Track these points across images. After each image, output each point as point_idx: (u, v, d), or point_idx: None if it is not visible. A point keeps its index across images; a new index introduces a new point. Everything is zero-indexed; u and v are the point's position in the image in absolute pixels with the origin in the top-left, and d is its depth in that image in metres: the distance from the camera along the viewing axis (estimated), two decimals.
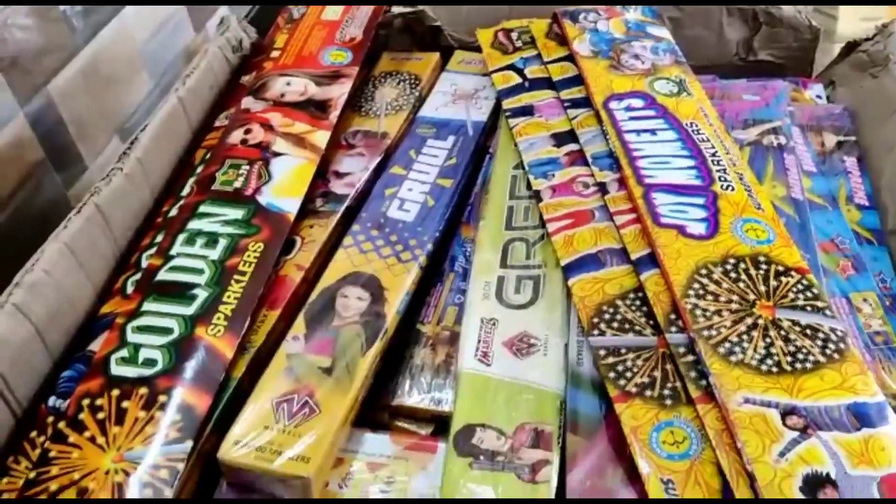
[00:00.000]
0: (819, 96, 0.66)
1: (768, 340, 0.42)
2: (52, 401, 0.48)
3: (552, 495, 0.40)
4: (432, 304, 0.54)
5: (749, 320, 0.43)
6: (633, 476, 0.40)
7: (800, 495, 0.36)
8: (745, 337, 0.42)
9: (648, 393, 0.42)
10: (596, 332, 0.46)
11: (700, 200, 0.50)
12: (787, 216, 0.51)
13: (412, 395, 0.49)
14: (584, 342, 0.47)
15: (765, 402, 0.39)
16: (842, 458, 0.37)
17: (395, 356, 0.51)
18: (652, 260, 0.47)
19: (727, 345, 0.42)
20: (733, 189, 0.50)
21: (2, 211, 0.60)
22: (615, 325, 0.46)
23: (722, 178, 0.51)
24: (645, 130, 0.55)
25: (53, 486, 0.42)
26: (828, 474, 0.37)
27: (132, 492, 0.41)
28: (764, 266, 0.46)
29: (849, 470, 0.37)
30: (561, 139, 0.58)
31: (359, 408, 0.47)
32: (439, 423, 0.47)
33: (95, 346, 0.49)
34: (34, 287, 0.47)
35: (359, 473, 0.45)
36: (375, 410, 0.49)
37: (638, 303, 0.47)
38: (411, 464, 0.45)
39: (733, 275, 0.45)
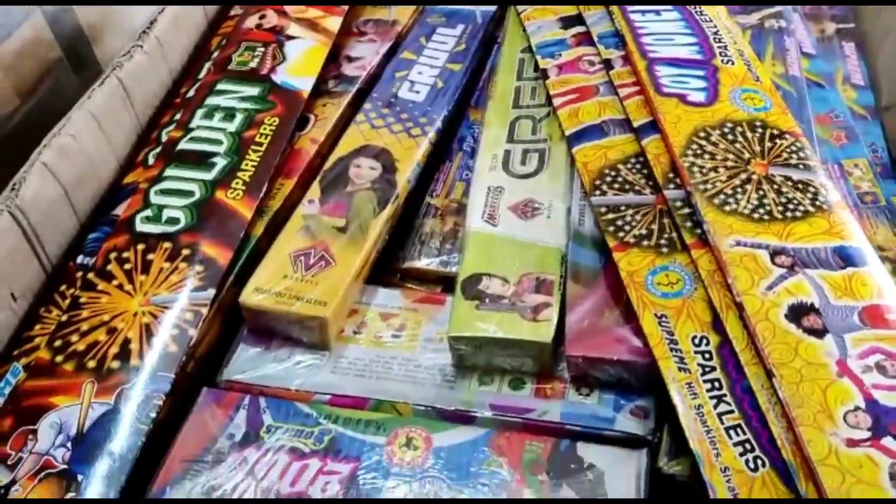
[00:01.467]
0: None
1: (761, 193, 0.44)
2: (80, 258, 0.50)
3: (552, 332, 0.43)
4: (441, 179, 0.56)
5: (743, 175, 0.45)
6: (629, 316, 0.43)
7: (786, 323, 0.38)
8: (738, 190, 0.44)
9: (645, 243, 0.45)
10: (597, 192, 0.48)
11: (701, 72, 0.51)
12: (784, 91, 0.53)
13: (422, 259, 0.51)
14: (586, 206, 0.49)
15: (755, 244, 0.42)
16: (826, 291, 0.40)
17: (405, 228, 0.53)
18: (653, 127, 0.49)
19: (722, 196, 0.44)
20: (733, 63, 0.52)
21: (23, 104, 0.61)
22: (616, 186, 0.48)
23: (722, 54, 0.52)
24: (650, 10, 0.56)
25: (84, 327, 0.45)
26: (812, 304, 0.39)
27: (160, 330, 0.44)
28: (760, 130, 0.47)
29: (832, 300, 0.39)
30: (568, 22, 0.59)
31: (371, 268, 0.50)
32: (447, 284, 0.50)
33: (120, 210, 0.52)
34: (62, 149, 0.50)
35: (372, 322, 0.47)
36: (388, 274, 0.52)
37: (638, 166, 0.49)
38: (421, 314, 0.48)
39: (730, 137, 0.47)
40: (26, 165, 0.48)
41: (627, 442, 0.40)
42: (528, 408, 0.42)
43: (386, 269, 0.52)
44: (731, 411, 0.37)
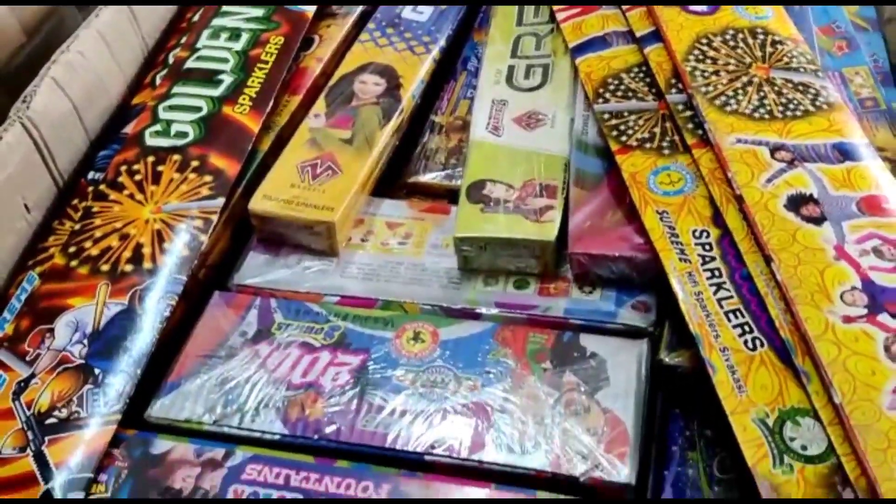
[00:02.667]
0: None
1: (762, 94, 0.45)
2: (91, 175, 0.51)
3: (556, 231, 0.44)
4: (446, 97, 0.57)
5: (745, 78, 0.45)
6: (631, 217, 0.43)
7: (784, 212, 0.39)
8: (740, 91, 0.45)
9: (648, 145, 0.45)
10: (601, 100, 0.48)
11: None
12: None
13: (426, 173, 0.52)
14: (590, 116, 0.49)
15: (756, 141, 0.42)
16: (825, 183, 0.40)
17: (411, 146, 0.54)
18: (656, 36, 0.50)
19: (723, 98, 0.45)
20: None
21: (28, 42, 0.62)
22: (619, 93, 0.48)
23: None
24: None
25: (97, 234, 0.46)
26: (811, 194, 0.40)
27: (171, 236, 0.45)
28: (761, 36, 0.48)
29: (830, 191, 0.40)
30: None
31: (377, 182, 0.51)
32: (452, 197, 0.51)
33: (129, 129, 0.52)
34: (70, 65, 0.50)
35: (378, 230, 0.48)
36: (393, 190, 0.52)
37: (641, 75, 0.49)
38: (427, 222, 0.48)
39: (732, 43, 0.47)
40: (36, 80, 0.49)
41: (629, 333, 0.41)
42: (533, 304, 0.43)
43: (392, 185, 0.53)
44: (731, 297, 0.38)
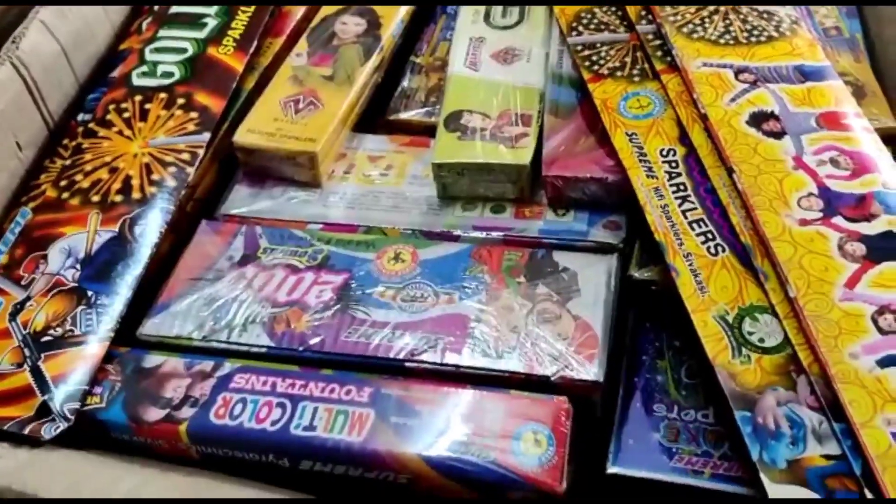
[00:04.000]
0: None
1: (727, 22, 0.46)
2: (80, 116, 0.53)
3: (531, 156, 0.45)
4: (426, 39, 0.58)
5: (711, 7, 0.47)
6: (603, 141, 0.45)
7: (746, 128, 0.41)
8: (706, 20, 0.46)
9: (619, 73, 0.47)
10: (574, 33, 0.50)
11: None
12: None
13: (407, 111, 0.53)
14: (565, 51, 0.51)
15: (721, 64, 0.44)
16: (786, 101, 0.42)
17: (392, 88, 0.55)
18: None
19: (690, 26, 0.46)
20: None
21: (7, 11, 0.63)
22: (592, 27, 0.50)
23: None
24: None
25: (88, 168, 0.47)
26: (772, 112, 0.41)
27: (159, 168, 0.47)
28: None
29: (791, 108, 0.42)
30: None
31: (358, 118, 0.52)
32: (432, 133, 0.52)
33: (117, 73, 0.54)
34: (58, 10, 0.52)
35: (360, 163, 0.50)
36: (375, 128, 0.54)
37: (613, 8, 0.51)
38: (407, 155, 0.50)
39: None
40: (25, 22, 0.50)
41: (600, 250, 0.43)
42: (509, 227, 0.45)
43: (374, 124, 0.54)
44: (695, 208, 0.40)
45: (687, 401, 0.39)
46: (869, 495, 0.30)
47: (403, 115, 0.53)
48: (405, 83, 0.55)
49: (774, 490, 0.31)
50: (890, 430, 0.31)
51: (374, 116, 0.54)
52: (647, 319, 0.43)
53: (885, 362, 0.32)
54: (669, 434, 0.38)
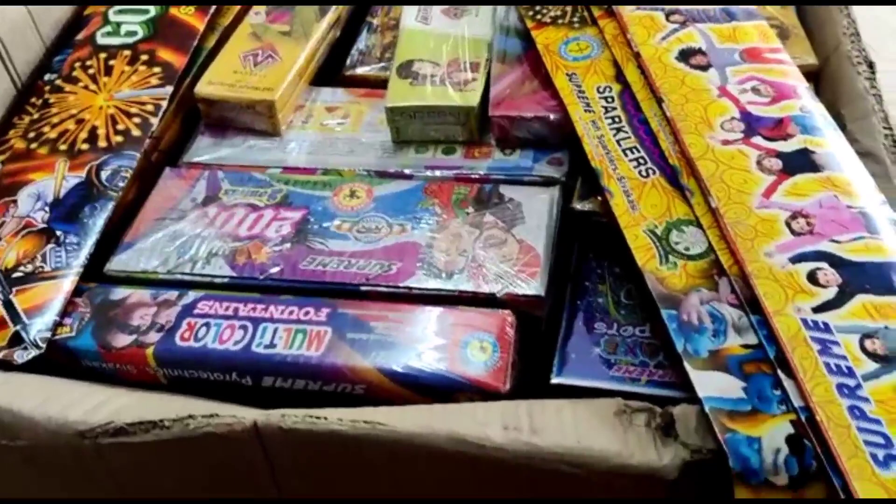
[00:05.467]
0: None
1: None
2: (47, 76, 0.54)
3: (478, 98, 0.48)
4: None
5: None
6: (546, 85, 0.48)
7: (675, 63, 0.44)
8: None
9: (560, 21, 0.50)
10: None
11: None
12: None
13: (363, 66, 0.56)
14: (513, 8, 0.53)
15: (653, 7, 0.47)
16: (712, 38, 0.45)
17: (350, 45, 0.58)
18: None
19: None
20: None
21: None
22: None
23: None
24: None
25: (55, 120, 0.49)
26: (699, 48, 0.44)
27: (124, 119, 0.49)
28: None
29: (717, 45, 0.45)
30: None
31: (316, 71, 0.54)
32: (386, 87, 0.54)
33: (82, 34, 0.56)
34: None
35: (318, 113, 0.52)
36: (333, 84, 0.56)
37: None
38: (363, 105, 0.52)
39: None
40: None
41: (544, 183, 0.46)
42: (459, 166, 0.47)
43: (331, 80, 0.56)
44: (628, 137, 0.43)
45: (626, 319, 0.41)
46: (781, 375, 0.33)
47: (360, 71, 0.55)
48: (361, 41, 0.57)
49: (697, 377, 0.34)
50: (800, 317, 0.33)
51: (333, 74, 0.56)
52: (591, 250, 0.45)
53: (797, 259, 0.35)
54: (609, 347, 0.40)
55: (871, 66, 0.45)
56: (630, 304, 0.42)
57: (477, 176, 0.47)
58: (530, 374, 0.41)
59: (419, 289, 0.41)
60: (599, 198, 0.43)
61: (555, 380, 0.40)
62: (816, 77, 0.48)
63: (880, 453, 0.30)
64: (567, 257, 0.45)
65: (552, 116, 0.46)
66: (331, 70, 0.56)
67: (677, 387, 0.37)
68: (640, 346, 0.40)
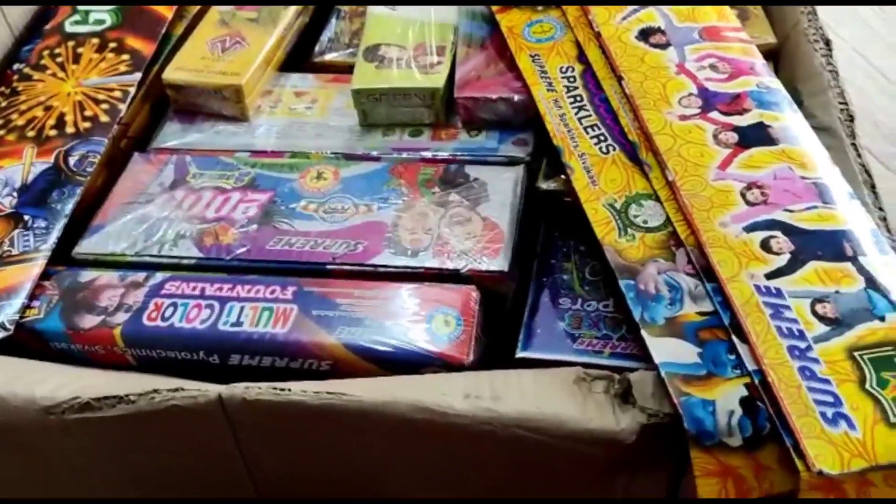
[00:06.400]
0: None
1: None
2: (16, 66, 0.54)
3: (444, 80, 0.48)
4: None
5: None
6: (511, 68, 0.48)
7: (635, 42, 0.44)
8: None
9: (524, 4, 0.50)
10: None
11: None
12: None
13: (331, 53, 0.56)
14: None
15: None
16: (672, 18, 0.46)
17: (319, 33, 0.58)
18: None
19: None
20: None
21: None
22: None
23: None
24: None
25: (23, 107, 0.49)
26: (659, 27, 0.45)
27: (92, 106, 0.49)
28: None
29: (676, 24, 0.45)
30: None
31: (285, 57, 0.55)
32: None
33: (50, 24, 0.56)
34: None
35: (287, 98, 0.52)
36: (303, 70, 0.56)
37: None
38: (331, 90, 0.53)
39: None
40: None
41: (509, 163, 0.46)
42: (426, 147, 0.48)
43: (300, 67, 0.57)
44: (589, 115, 0.43)
45: (590, 294, 0.42)
46: (735, 340, 0.33)
47: (328, 57, 0.56)
48: (331, 28, 0.58)
49: (653, 343, 0.35)
50: (753, 283, 0.34)
51: (303, 60, 0.57)
52: (557, 230, 0.46)
53: (750, 228, 0.36)
54: (573, 322, 0.41)
55: (827, 43, 0.46)
56: (595, 280, 0.43)
57: (443, 158, 0.47)
58: (497, 350, 0.42)
59: (385, 266, 0.41)
60: (564, 177, 0.44)
61: (520, 354, 0.40)
62: (776, 55, 0.49)
63: (829, 412, 0.30)
64: (534, 236, 0.45)
65: (516, 97, 0.47)
66: (301, 56, 0.57)
67: (639, 358, 0.38)
68: (603, 320, 0.41)
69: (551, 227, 0.46)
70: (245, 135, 0.50)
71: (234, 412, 0.35)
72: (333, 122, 0.50)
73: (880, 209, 0.39)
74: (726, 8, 0.47)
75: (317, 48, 0.56)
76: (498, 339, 0.42)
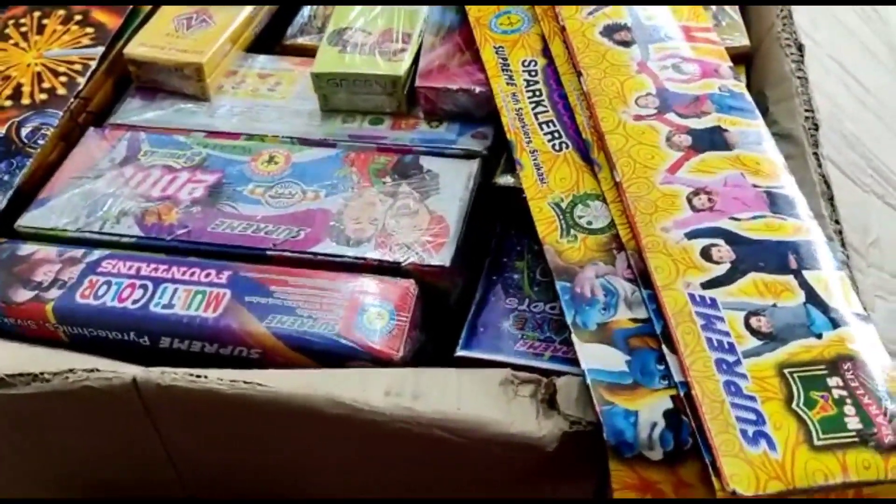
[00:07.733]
0: None
1: None
2: None
3: (405, 68, 0.47)
4: None
5: None
6: (476, 59, 0.47)
7: (599, 38, 0.43)
8: None
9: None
10: None
11: None
12: None
13: (302, 36, 0.55)
14: None
15: None
16: (639, 15, 0.44)
17: (292, 16, 0.57)
18: None
19: None
20: None
21: None
22: None
23: None
24: None
25: None
26: (625, 24, 0.44)
27: (50, 77, 0.48)
28: None
29: (643, 21, 0.44)
30: None
31: (252, 38, 0.54)
32: None
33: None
34: None
35: (250, 79, 0.51)
36: (273, 53, 0.56)
37: None
38: (296, 73, 0.52)
39: None
40: None
41: (465, 156, 0.45)
42: (383, 136, 0.47)
43: (271, 50, 0.56)
44: (546, 111, 0.42)
45: (538, 296, 0.41)
46: (665, 350, 0.32)
47: (300, 40, 0.55)
48: (305, 11, 0.57)
49: (582, 349, 0.33)
50: (688, 291, 0.33)
51: (274, 44, 0.56)
52: (512, 227, 0.45)
53: (693, 234, 0.35)
54: (517, 323, 0.40)
55: (800, 48, 0.44)
56: (545, 280, 0.42)
57: (400, 147, 0.46)
58: (438, 348, 0.40)
59: (324, 255, 0.40)
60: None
61: (459, 352, 0.39)
62: (749, 59, 0.47)
63: (751, 430, 0.29)
64: (488, 233, 0.44)
65: (478, 89, 0.46)
66: (275, 38, 0.56)
67: (579, 362, 0.37)
68: (548, 322, 0.40)
69: (507, 224, 0.45)
70: (204, 114, 0.49)
71: (149, 397, 0.34)
72: (295, 106, 0.49)
73: (836, 222, 0.37)
74: (700, 8, 0.45)
75: (289, 31, 0.55)
76: (441, 337, 0.41)
